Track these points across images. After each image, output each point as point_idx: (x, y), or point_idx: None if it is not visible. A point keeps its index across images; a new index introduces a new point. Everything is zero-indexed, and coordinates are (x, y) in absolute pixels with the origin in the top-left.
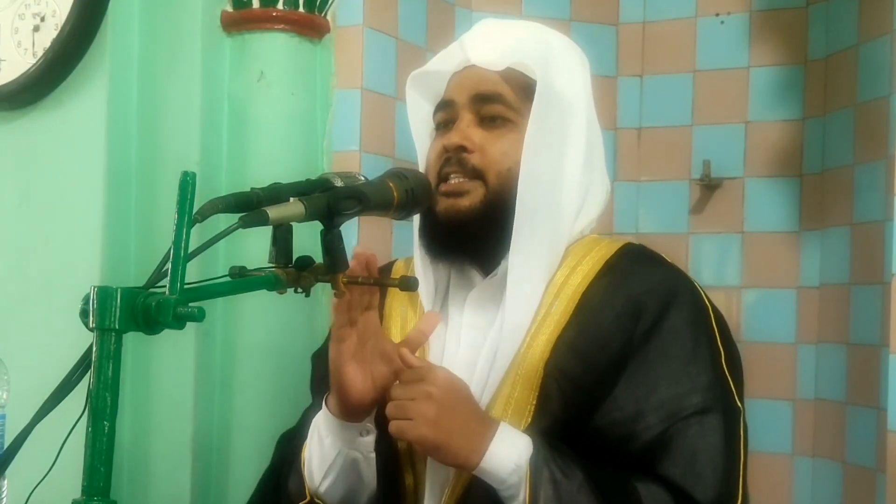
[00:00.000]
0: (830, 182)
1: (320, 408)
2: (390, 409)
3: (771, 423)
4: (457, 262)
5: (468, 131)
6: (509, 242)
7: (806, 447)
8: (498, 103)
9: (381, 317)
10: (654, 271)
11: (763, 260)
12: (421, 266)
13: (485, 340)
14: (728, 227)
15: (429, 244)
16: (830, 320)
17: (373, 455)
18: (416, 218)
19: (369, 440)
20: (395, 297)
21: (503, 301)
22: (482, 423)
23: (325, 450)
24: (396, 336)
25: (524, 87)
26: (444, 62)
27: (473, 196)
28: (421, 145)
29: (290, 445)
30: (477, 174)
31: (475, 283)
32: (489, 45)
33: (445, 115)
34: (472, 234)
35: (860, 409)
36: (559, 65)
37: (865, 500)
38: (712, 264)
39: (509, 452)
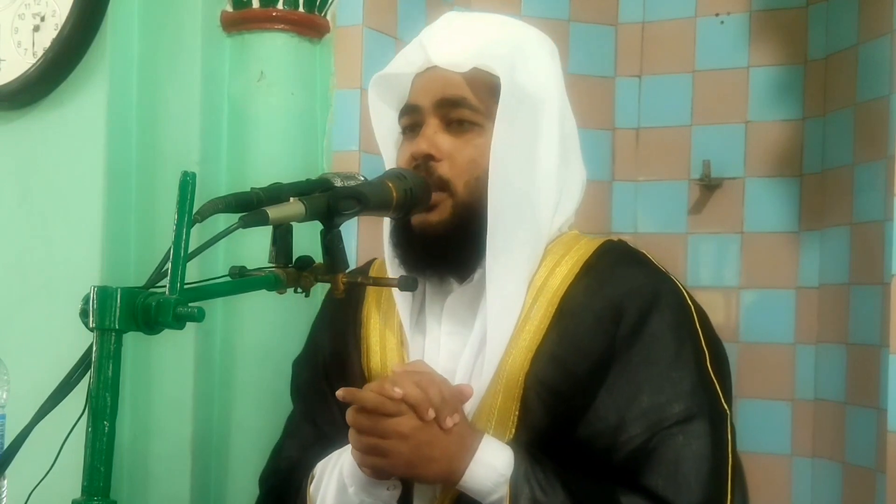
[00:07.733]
0: (830, 182)
1: (303, 416)
2: (359, 441)
3: (770, 424)
4: (435, 275)
5: (435, 138)
6: (484, 248)
7: (805, 448)
8: (464, 107)
9: (360, 320)
10: (634, 272)
11: (762, 260)
12: (394, 273)
13: (464, 347)
14: (727, 227)
15: (404, 257)
16: (830, 321)
17: None
18: (385, 226)
19: (395, 493)
20: (373, 303)
21: (480, 307)
22: (462, 445)
23: (348, 498)
24: (375, 344)
25: (490, 88)
26: (405, 64)
27: (442, 209)
28: (387, 152)
29: (291, 477)
30: (443, 184)
31: (451, 290)
32: (452, 45)
33: (411, 119)
34: (445, 246)
35: (860, 409)
36: (526, 61)
37: (865, 501)
38: (711, 265)
39: (488, 472)
